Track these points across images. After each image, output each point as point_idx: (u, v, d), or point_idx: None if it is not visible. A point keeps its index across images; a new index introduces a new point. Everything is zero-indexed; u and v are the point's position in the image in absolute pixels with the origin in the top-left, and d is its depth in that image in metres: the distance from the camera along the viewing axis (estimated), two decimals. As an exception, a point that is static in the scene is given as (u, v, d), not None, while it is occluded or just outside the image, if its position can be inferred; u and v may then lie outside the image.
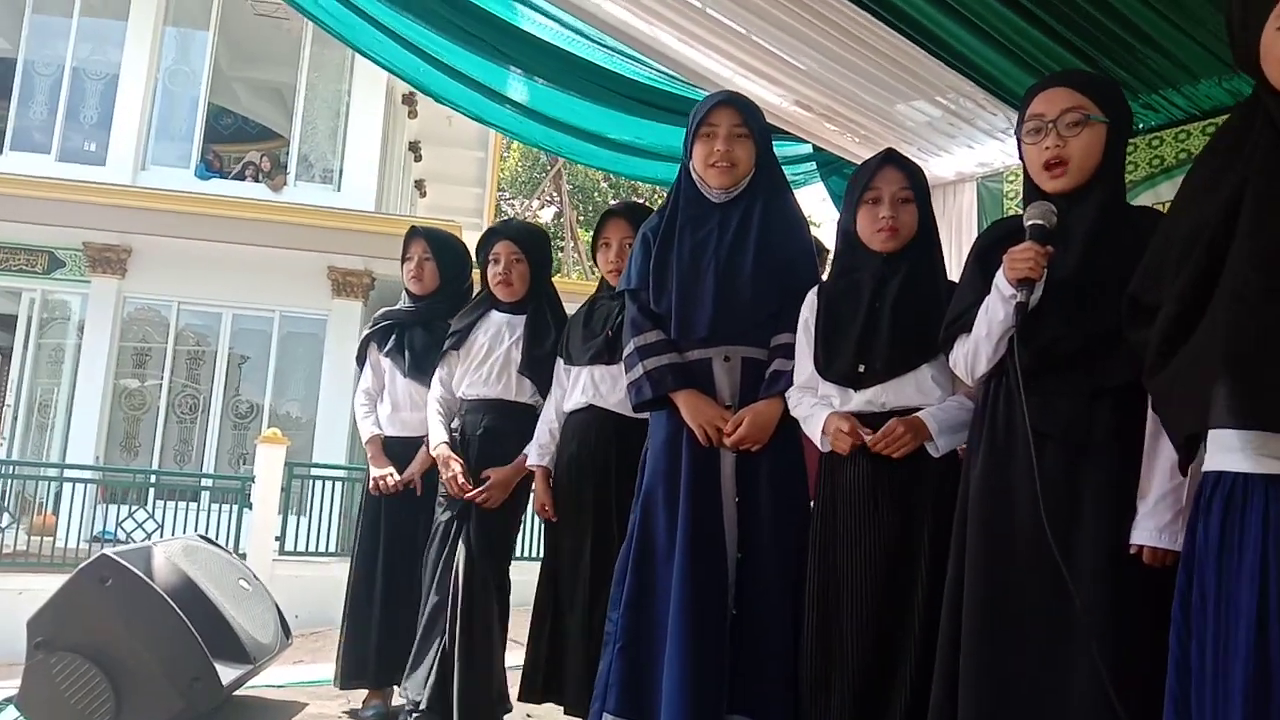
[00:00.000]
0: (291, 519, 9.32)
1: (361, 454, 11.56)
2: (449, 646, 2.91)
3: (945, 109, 3.65)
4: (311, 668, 5.20)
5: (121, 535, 8.86)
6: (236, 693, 3.14)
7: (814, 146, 4.21)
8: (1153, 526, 1.69)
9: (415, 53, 3.86)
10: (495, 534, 3.05)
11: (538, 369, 3.07)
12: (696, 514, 2.37)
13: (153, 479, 10.20)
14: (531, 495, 3.11)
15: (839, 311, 2.27)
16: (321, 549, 9.35)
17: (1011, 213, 3.91)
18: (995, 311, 1.88)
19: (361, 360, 3.58)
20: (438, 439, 3.13)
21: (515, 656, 3.02)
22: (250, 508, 9.06)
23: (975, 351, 1.94)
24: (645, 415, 2.58)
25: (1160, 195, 3.43)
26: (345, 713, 3.34)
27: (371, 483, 3.36)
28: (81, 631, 2.74)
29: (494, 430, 3.07)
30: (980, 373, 1.96)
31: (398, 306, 3.56)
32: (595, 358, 2.83)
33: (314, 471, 9.75)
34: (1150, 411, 1.70)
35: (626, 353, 2.55)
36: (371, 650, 3.28)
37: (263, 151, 12.52)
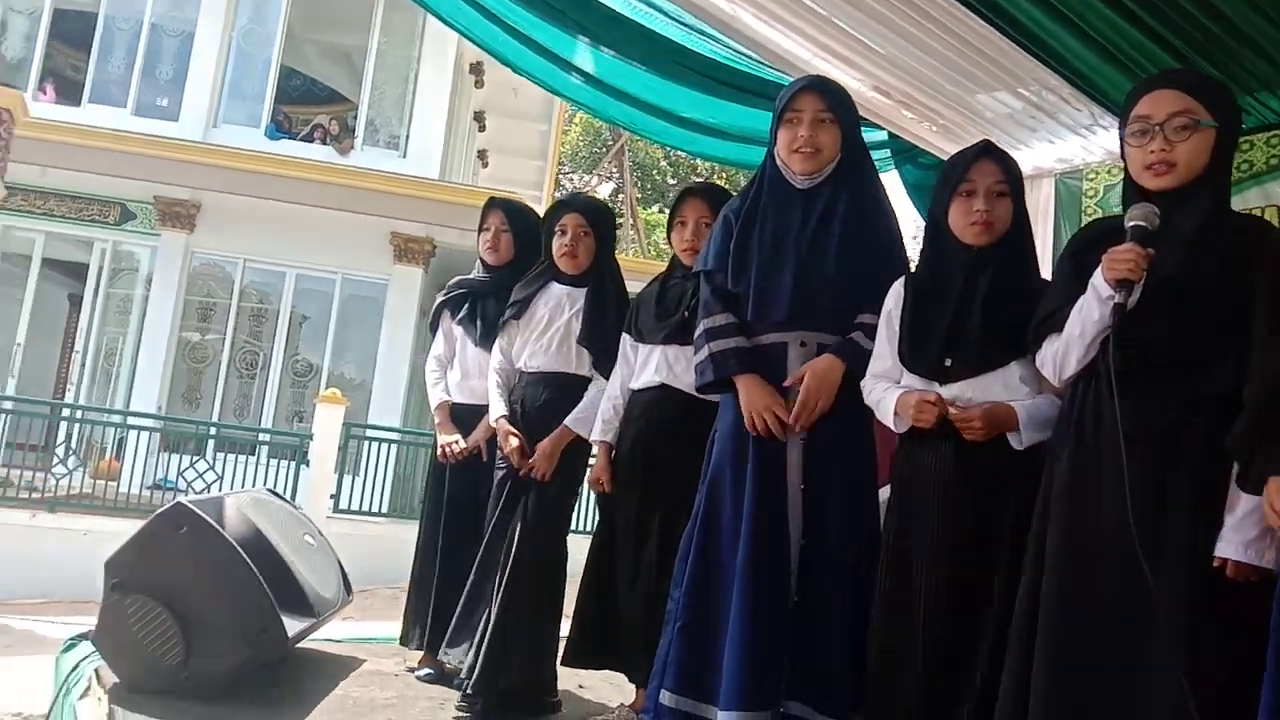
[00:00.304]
0: (346, 479, 9.48)
1: (414, 418, 11.73)
2: (497, 618, 2.90)
3: (1028, 101, 3.58)
4: (361, 625, 5.31)
5: (182, 484, 9.10)
6: (299, 645, 3.22)
7: (889, 133, 4.16)
8: (1239, 541, 1.67)
9: (490, 18, 3.85)
10: (551, 505, 3.07)
11: (597, 341, 3.09)
12: (760, 499, 2.38)
13: (213, 431, 10.43)
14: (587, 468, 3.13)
15: (927, 303, 2.25)
16: (374, 509, 9.53)
17: (1090, 211, 3.84)
18: (1090, 312, 1.85)
19: (434, 326, 3.61)
20: (497, 411, 3.16)
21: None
22: (306, 464, 9.24)
23: (1066, 351, 1.92)
24: (715, 398, 2.59)
25: (1248, 201, 3.33)
26: (406, 670, 3.40)
27: (439, 449, 3.41)
28: (156, 576, 2.80)
29: (553, 404, 3.09)
30: (1069, 374, 1.93)
31: (472, 275, 3.59)
32: (670, 337, 2.84)
33: (369, 433, 9.90)
34: None
35: (696, 334, 2.57)
36: (430, 613, 3.34)
37: (331, 115, 12.65)
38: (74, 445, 9.40)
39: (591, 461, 3.14)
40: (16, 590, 7.90)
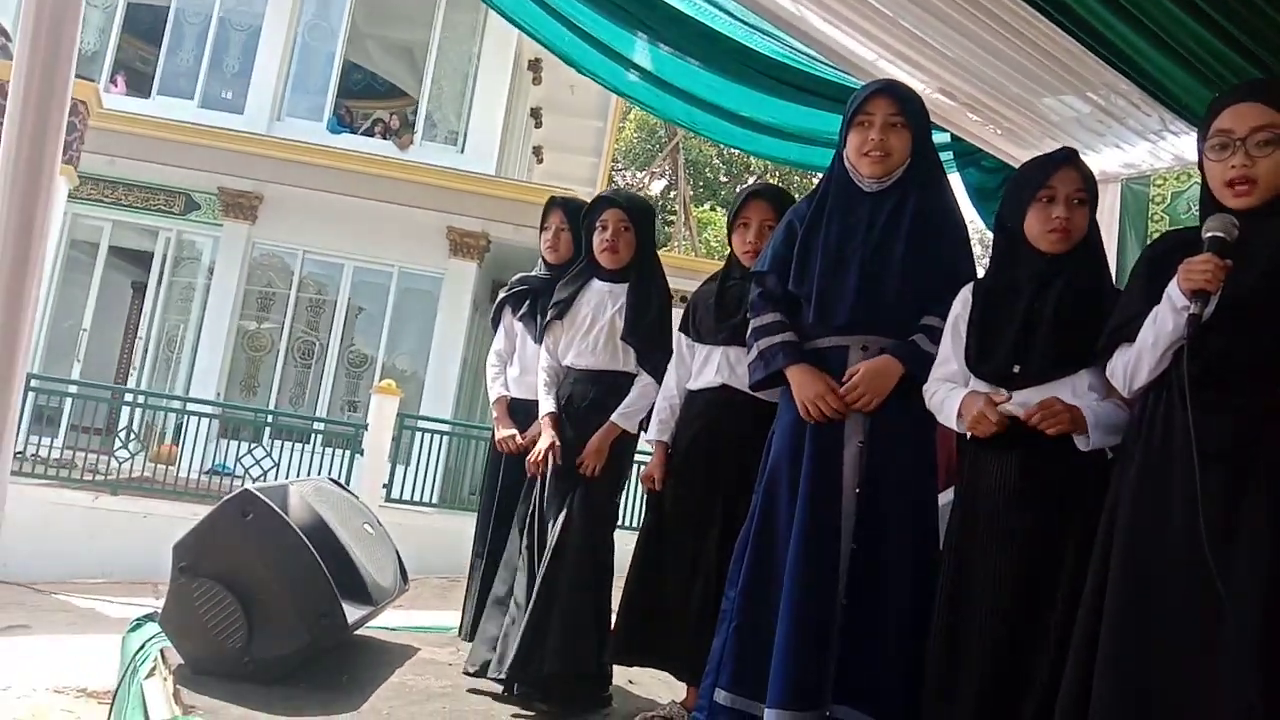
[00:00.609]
0: (398, 469, 9.61)
1: (466, 411, 11.82)
2: (535, 604, 2.92)
3: (1096, 105, 3.52)
4: (413, 614, 5.37)
5: (239, 470, 9.27)
6: (356, 633, 3.28)
7: (952, 136, 4.12)
8: None
9: (553, 15, 3.86)
10: (597, 500, 3.09)
11: (640, 337, 3.11)
12: (814, 502, 2.37)
13: (269, 418, 10.63)
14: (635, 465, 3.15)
15: (997, 309, 2.23)
16: (425, 499, 9.65)
17: (1157, 218, 3.78)
18: (1164, 322, 1.83)
19: (496, 322, 3.66)
20: (546, 409, 3.20)
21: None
22: (360, 453, 9.37)
23: (1138, 361, 1.89)
24: (770, 398, 2.60)
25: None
26: (460, 660, 3.44)
27: (497, 442, 3.45)
28: (221, 560, 2.87)
29: (601, 402, 3.12)
30: (1140, 384, 1.91)
31: (533, 273, 3.64)
32: (731, 338, 2.84)
33: (422, 424, 10.02)
34: None
35: (747, 335, 2.59)
36: (476, 603, 3.39)
37: (391, 110, 12.82)
38: (135, 430, 9.62)
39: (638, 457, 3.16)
40: (79, 569, 8.13)
